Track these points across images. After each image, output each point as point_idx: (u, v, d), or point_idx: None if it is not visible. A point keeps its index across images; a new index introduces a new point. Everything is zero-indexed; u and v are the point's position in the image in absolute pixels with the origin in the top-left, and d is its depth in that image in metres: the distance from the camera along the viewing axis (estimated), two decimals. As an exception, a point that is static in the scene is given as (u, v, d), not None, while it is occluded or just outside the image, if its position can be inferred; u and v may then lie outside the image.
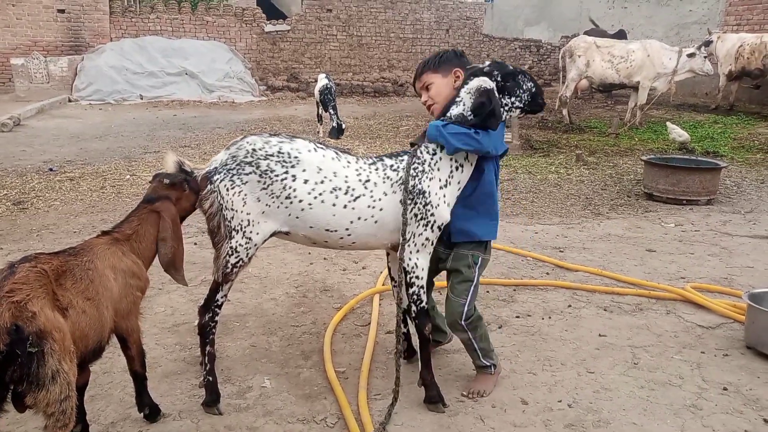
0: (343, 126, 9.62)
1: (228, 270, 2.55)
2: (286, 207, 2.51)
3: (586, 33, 13.49)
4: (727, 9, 14.30)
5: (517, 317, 3.61)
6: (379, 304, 3.72)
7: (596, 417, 2.62)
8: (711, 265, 4.53)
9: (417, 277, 2.63)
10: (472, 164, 2.64)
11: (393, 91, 16.69)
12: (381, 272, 4.22)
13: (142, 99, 14.28)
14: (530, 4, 21.51)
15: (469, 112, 2.53)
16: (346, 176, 2.54)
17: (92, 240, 2.34)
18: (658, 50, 10.07)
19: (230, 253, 2.54)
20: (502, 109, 2.58)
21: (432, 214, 2.56)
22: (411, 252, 2.60)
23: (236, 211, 2.50)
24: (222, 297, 2.64)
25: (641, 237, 5.17)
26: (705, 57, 9.93)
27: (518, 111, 2.67)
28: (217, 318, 2.66)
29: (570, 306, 3.78)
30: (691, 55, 9.83)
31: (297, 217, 2.53)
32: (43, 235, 4.99)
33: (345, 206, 2.52)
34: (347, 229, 2.56)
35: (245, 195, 2.49)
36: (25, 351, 1.74)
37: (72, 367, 1.89)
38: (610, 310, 3.74)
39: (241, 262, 2.56)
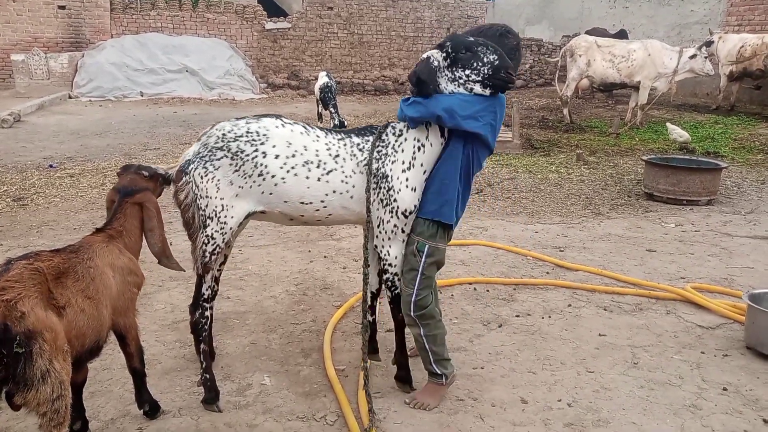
0: (345, 123, 9.61)
1: (206, 259, 2.57)
2: (259, 185, 2.52)
3: (587, 32, 13.48)
4: (728, 9, 14.29)
5: (517, 316, 3.61)
6: (379, 303, 3.71)
7: (596, 416, 2.62)
8: (711, 265, 4.52)
9: (390, 265, 2.65)
10: (433, 146, 2.55)
11: (394, 89, 16.67)
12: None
13: (142, 96, 14.26)
14: (531, 3, 21.49)
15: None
16: (317, 150, 2.55)
17: (90, 237, 2.34)
18: (659, 50, 10.05)
19: (206, 241, 2.55)
20: (456, 83, 2.48)
21: (395, 200, 2.53)
22: (383, 240, 2.62)
23: (210, 198, 2.51)
24: (207, 290, 2.64)
25: (641, 237, 5.17)
26: (706, 57, 9.91)
27: (478, 85, 2.48)
28: (207, 314, 2.67)
29: (570, 305, 3.78)
30: (692, 56, 9.81)
31: (271, 193, 2.54)
32: (43, 232, 4.99)
33: (318, 179, 2.53)
34: (322, 201, 2.56)
35: (218, 180, 2.50)
36: (11, 351, 1.72)
37: (65, 366, 1.88)
38: (610, 309, 3.74)
39: (218, 249, 2.57)
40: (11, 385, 1.76)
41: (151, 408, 2.52)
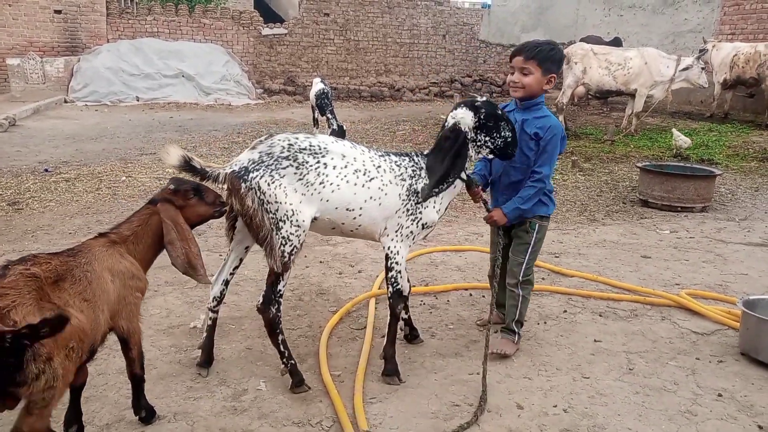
0: (344, 128, 9.61)
1: (286, 259, 2.72)
2: (320, 192, 2.74)
3: (583, 40, 13.56)
4: (721, 18, 14.41)
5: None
6: (375, 308, 3.72)
7: (591, 422, 2.62)
8: (706, 271, 4.55)
9: (397, 263, 2.92)
10: (456, 187, 2.97)
11: (390, 95, 16.72)
12: (377, 276, 4.22)
13: (138, 101, 14.26)
14: (527, 11, 21.61)
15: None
16: (363, 161, 2.84)
17: (90, 241, 2.34)
18: (656, 58, 10.13)
19: (283, 243, 2.69)
20: (473, 144, 2.89)
21: (420, 212, 2.90)
22: (397, 242, 2.91)
23: (280, 203, 2.65)
24: (283, 286, 2.80)
25: (636, 243, 5.19)
26: (702, 68, 9.99)
27: (487, 151, 2.93)
28: (281, 308, 2.82)
29: (565, 311, 3.79)
30: (687, 67, 9.90)
31: (327, 200, 2.76)
32: (38, 236, 4.97)
33: (363, 185, 2.80)
34: (361, 208, 2.82)
35: (285, 187, 2.66)
36: (5, 359, 1.73)
37: (63, 361, 1.89)
38: (605, 315, 3.75)
39: (295, 249, 2.74)
40: (10, 387, 1.79)
41: (147, 414, 2.51)
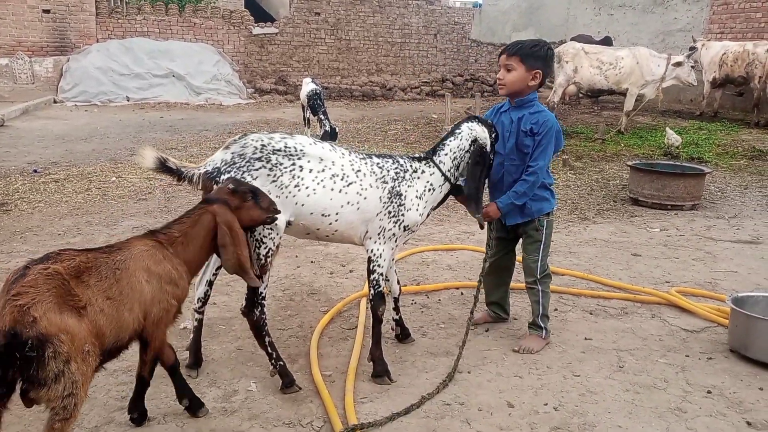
0: (337, 129, 9.58)
1: (262, 261, 2.70)
2: (294, 195, 2.69)
3: (573, 39, 13.61)
4: (710, 17, 14.51)
5: (503, 321, 3.62)
6: (366, 308, 3.71)
7: (582, 420, 2.63)
8: (695, 269, 4.57)
9: (379, 266, 2.91)
10: (442, 193, 3.01)
11: (381, 95, 16.72)
12: (368, 275, 4.22)
13: (128, 101, 14.18)
14: (518, 10, 21.66)
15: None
16: (342, 165, 2.80)
17: (134, 239, 2.32)
18: (647, 57, 10.18)
19: (258, 245, 2.67)
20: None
21: (402, 215, 2.88)
22: (379, 244, 2.90)
23: None
24: (264, 289, 2.76)
25: (627, 241, 5.21)
26: (692, 67, 10.05)
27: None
28: (265, 311, 2.79)
29: (556, 309, 3.80)
30: (677, 64, 9.94)
31: (303, 205, 2.72)
32: (27, 237, 4.93)
33: (340, 191, 2.77)
34: (337, 213, 2.79)
35: None
36: (23, 354, 1.77)
37: (82, 366, 1.90)
38: (596, 313, 3.77)
39: (271, 251, 2.72)
40: (26, 384, 1.81)
41: (139, 416, 2.49)
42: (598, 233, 5.44)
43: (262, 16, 19.10)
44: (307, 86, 9.81)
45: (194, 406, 2.55)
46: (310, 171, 2.71)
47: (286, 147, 2.69)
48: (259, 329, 2.77)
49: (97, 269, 2.08)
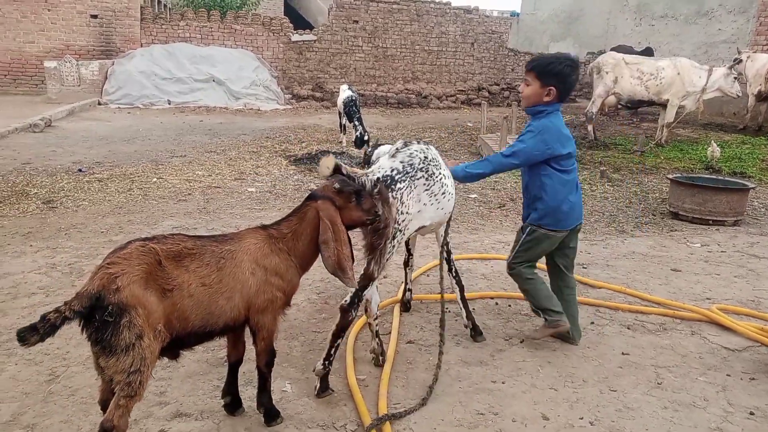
0: (366, 137, 9.65)
1: (382, 266, 2.82)
2: (439, 201, 3.00)
3: (613, 50, 13.44)
4: (757, 29, 14.14)
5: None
6: (400, 314, 3.72)
7: (619, 436, 2.58)
8: (738, 286, 4.45)
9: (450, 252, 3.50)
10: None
11: (417, 102, 16.75)
12: (402, 283, 4.22)
13: (169, 104, 14.52)
14: (556, 20, 21.49)
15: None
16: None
17: (247, 231, 2.41)
18: (688, 68, 9.98)
19: (390, 251, 2.80)
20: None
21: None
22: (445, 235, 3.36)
23: (408, 213, 2.81)
24: (369, 292, 2.91)
25: (666, 256, 5.10)
26: (735, 78, 9.82)
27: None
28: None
29: (593, 323, 3.75)
30: (721, 76, 9.74)
31: (442, 209, 3.04)
32: (71, 234, 5.08)
33: (448, 192, 3.11)
34: (443, 209, 3.08)
35: (414, 197, 2.87)
36: (102, 318, 1.87)
37: (152, 344, 1.98)
38: (633, 328, 3.70)
39: (390, 257, 2.87)
40: (98, 348, 1.91)
41: (267, 412, 2.53)
42: (637, 247, 5.34)
43: (300, 23, 19.37)
44: (344, 93, 9.93)
45: (233, 405, 2.59)
46: (447, 177, 3.07)
47: (435, 158, 3.03)
48: (344, 328, 2.83)
49: (201, 256, 2.18)
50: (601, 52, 15.69)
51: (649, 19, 17.85)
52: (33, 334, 1.79)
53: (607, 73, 10.41)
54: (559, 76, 3.11)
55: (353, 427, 2.58)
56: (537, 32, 22.19)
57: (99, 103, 14.18)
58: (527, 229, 3.31)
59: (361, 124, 9.61)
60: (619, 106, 11.54)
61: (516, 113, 10.67)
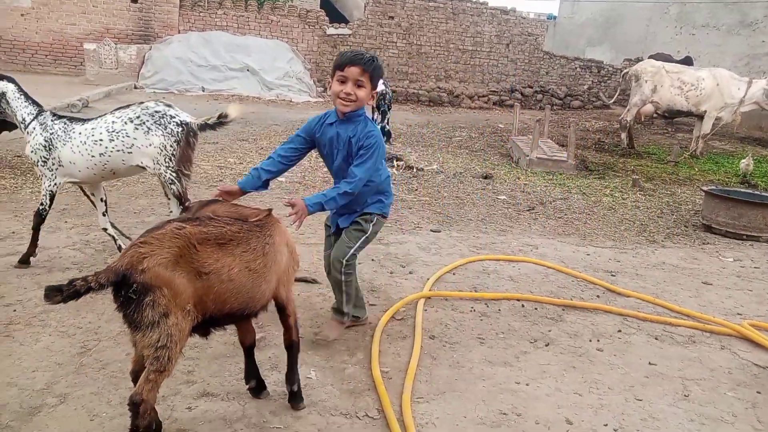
0: (386, 129, 9.76)
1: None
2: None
3: (652, 57, 13.22)
4: (802, 43, 13.78)
5: (565, 337, 3.56)
6: (424, 309, 3.72)
7: (643, 445, 2.55)
8: (771, 303, 4.36)
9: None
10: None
11: (448, 101, 16.69)
12: (428, 279, 4.23)
13: (203, 91, 14.68)
14: (594, 24, 21.21)
15: None
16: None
17: (270, 213, 2.47)
18: (728, 80, 9.78)
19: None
20: None
21: None
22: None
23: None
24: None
25: (697, 269, 5.02)
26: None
27: None
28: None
29: (620, 331, 3.70)
30: (761, 89, 9.53)
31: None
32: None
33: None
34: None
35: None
36: (127, 295, 1.94)
37: (180, 322, 2.03)
38: (661, 339, 3.65)
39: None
40: (126, 322, 2.00)
41: (295, 394, 2.59)
42: (667, 258, 5.25)
43: (336, 17, 19.39)
44: (377, 87, 9.96)
45: (258, 389, 2.63)
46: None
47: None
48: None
49: (248, 241, 2.24)
50: (638, 59, 15.45)
51: (689, 27, 17.52)
52: (57, 294, 1.85)
53: (646, 81, 10.25)
54: (381, 76, 2.98)
55: (376, 415, 2.59)
56: (573, 36, 21.93)
57: (135, 87, 14.40)
58: (373, 220, 3.15)
59: (385, 117, 9.73)
60: (655, 116, 11.36)
61: (549, 116, 10.57)
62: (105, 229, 4.19)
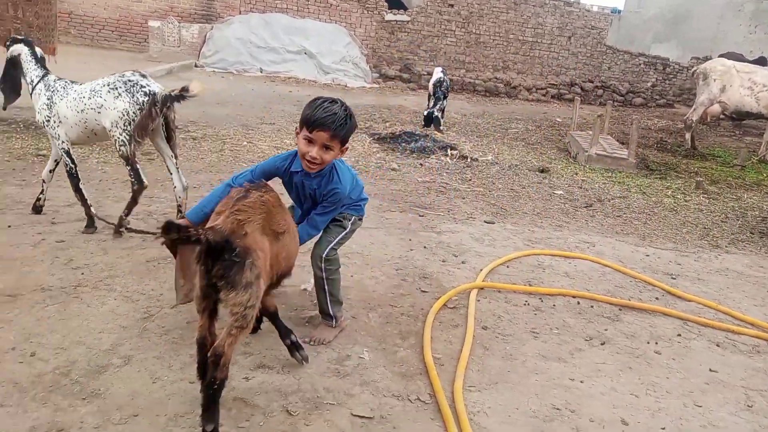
0: (433, 115, 9.70)
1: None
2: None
3: (722, 56, 12.67)
4: None
5: (622, 337, 3.47)
6: (477, 300, 3.69)
7: (703, 452, 2.47)
8: (843, 318, 4.13)
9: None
10: None
11: (505, 92, 16.44)
12: (481, 269, 4.19)
13: (261, 72, 14.89)
14: (662, 19, 20.46)
15: None
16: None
17: None
18: (803, 82, 9.29)
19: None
20: None
21: None
22: None
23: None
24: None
25: (763, 277, 4.80)
26: None
27: None
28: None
29: (679, 335, 3.59)
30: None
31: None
32: (166, 186, 5.33)
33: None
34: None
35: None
36: (230, 257, 2.09)
37: (263, 283, 2.21)
38: (723, 346, 3.51)
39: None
40: (223, 283, 2.11)
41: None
42: (731, 264, 5.05)
43: (395, 2, 19.31)
44: (436, 75, 10.00)
45: (296, 347, 2.73)
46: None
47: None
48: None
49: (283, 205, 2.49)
50: (707, 58, 14.85)
51: (765, 26, 16.69)
52: (173, 232, 1.97)
53: (714, 80, 9.84)
54: (353, 132, 2.81)
55: (426, 399, 2.59)
56: (639, 31, 21.21)
57: (195, 65, 14.73)
58: (351, 219, 3.11)
59: (436, 104, 9.71)
60: (722, 116, 10.90)
61: (610, 112, 10.28)
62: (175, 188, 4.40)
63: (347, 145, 2.81)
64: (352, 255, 4.22)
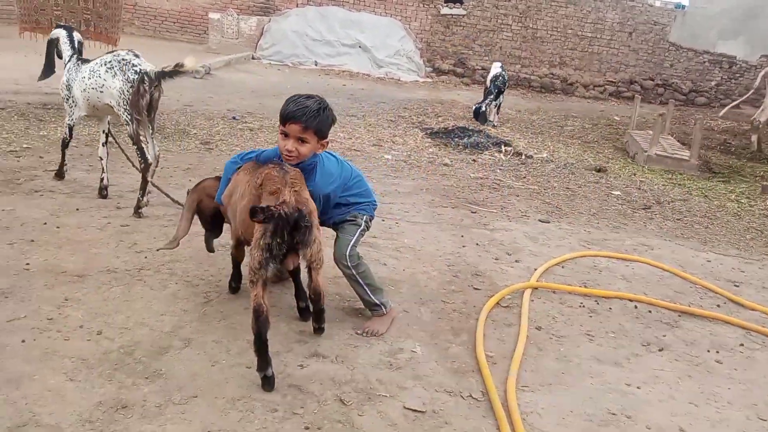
0: (481, 110, 9.60)
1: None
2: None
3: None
4: None
5: (681, 344, 3.36)
6: (531, 300, 3.64)
7: (767, 468, 2.38)
8: None
9: None
10: None
11: (561, 89, 16.10)
12: (535, 269, 4.13)
13: (316, 65, 15.04)
14: (729, 15, 19.57)
15: None
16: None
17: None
18: None
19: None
20: None
21: None
22: None
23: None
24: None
25: (835, 288, 4.56)
26: None
27: None
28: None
29: (742, 345, 3.45)
30: None
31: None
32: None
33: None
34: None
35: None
36: (304, 224, 2.45)
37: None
38: (790, 359, 3.36)
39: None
40: (300, 246, 2.51)
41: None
42: (800, 273, 4.81)
43: (451, -4, 19.13)
44: (494, 70, 9.94)
45: (306, 311, 3.03)
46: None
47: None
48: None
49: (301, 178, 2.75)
50: (778, 56, 14.14)
51: (843, 23, 15.75)
52: (261, 214, 2.31)
53: (786, 79, 9.37)
54: (332, 125, 2.87)
55: (479, 396, 2.58)
56: (704, 28, 20.34)
57: (252, 57, 14.99)
58: (363, 216, 3.19)
59: (485, 99, 9.65)
60: (794, 118, 10.37)
61: (672, 112, 9.94)
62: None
63: (326, 139, 2.87)
64: (404, 249, 4.23)
